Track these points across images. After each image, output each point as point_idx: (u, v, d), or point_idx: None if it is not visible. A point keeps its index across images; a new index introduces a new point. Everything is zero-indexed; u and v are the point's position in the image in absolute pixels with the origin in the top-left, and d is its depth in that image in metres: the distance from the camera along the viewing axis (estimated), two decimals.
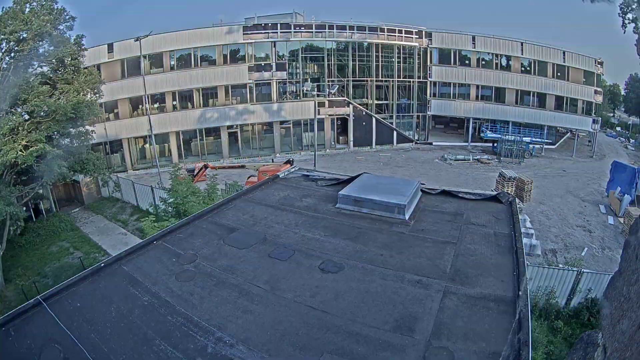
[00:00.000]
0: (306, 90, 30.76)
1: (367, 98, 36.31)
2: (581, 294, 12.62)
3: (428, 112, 37.07)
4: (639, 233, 4.20)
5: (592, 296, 12.45)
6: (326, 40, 33.76)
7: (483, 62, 36.25)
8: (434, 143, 37.37)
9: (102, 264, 4.92)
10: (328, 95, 32.34)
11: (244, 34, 31.65)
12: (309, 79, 33.54)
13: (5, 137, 14.58)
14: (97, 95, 19.14)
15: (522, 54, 35.20)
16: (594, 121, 35.67)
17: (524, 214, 19.33)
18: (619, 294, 4.03)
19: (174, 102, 31.78)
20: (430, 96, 36.61)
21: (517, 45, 35.03)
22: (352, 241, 5.44)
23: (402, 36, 35.40)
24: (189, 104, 32.28)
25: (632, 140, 47.13)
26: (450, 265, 4.79)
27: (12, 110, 15.23)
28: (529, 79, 35.34)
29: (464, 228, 5.87)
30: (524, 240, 7.91)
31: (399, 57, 35.88)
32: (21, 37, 15.69)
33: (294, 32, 32.82)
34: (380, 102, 37.38)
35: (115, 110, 30.49)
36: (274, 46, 32.58)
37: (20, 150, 15.21)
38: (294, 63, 33.61)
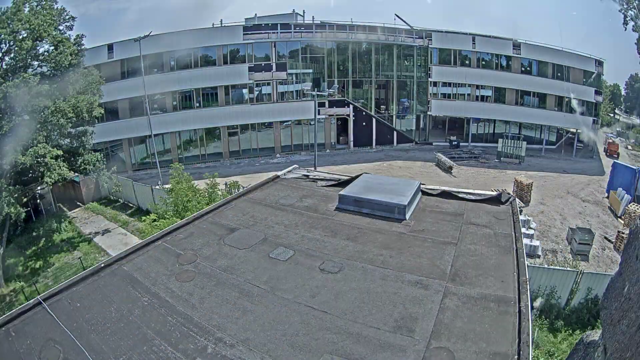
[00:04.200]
0: (306, 91, 30.78)
1: (367, 98, 36.32)
2: (581, 294, 12.63)
3: (428, 112, 37.06)
4: (639, 233, 4.19)
5: (592, 296, 12.45)
6: (326, 41, 33.77)
7: (483, 62, 36.25)
8: (434, 143, 37.36)
9: (102, 264, 4.92)
10: (328, 95, 32.33)
11: (244, 34, 31.67)
12: (309, 79, 33.55)
13: (5, 137, 14.59)
14: (97, 95, 19.13)
15: (521, 54, 35.20)
16: (594, 121, 35.66)
17: (526, 215, 19.32)
18: (619, 294, 4.02)
19: (174, 103, 31.78)
20: (430, 96, 36.61)
21: (517, 45, 35.03)
22: (352, 241, 5.43)
23: (402, 36, 35.40)
24: (189, 104, 32.28)
25: (632, 140, 47.12)
26: (450, 265, 4.78)
27: (12, 110, 15.22)
28: (529, 79, 35.33)
29: (464, 228, 5.87)
30: (525, 240, 7.91)
31: (398, 57, 35.89)
32: (21, 37, 15.69)
33: (294, 32, 32.83)
34: (380, 102, 37.37)
35: (116, 111, 30.48)
36: (274, 46, 32.58)
37: (20, 151, 15.22)
38: (294, 63, 33.62)
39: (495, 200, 7.06)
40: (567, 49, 34.56)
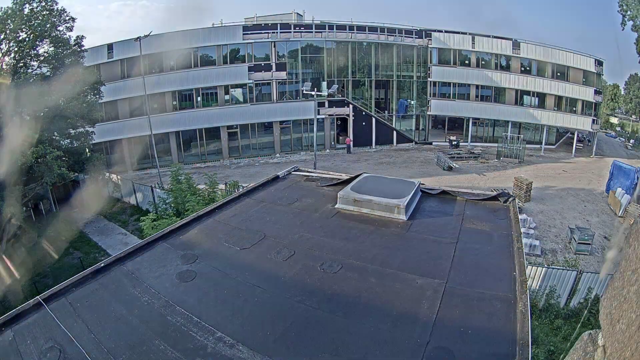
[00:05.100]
0: (305, 91, 30.80)
1: (367, 98, 36.33)
2: (581, 294, 12.64)
3: (428, 112, 37.07)
4: (639, 233, 4.20)
5: (592, 296, 12.46)
6: (326, 40, 33.78)
7: (483, 62, 36.25)
8: (433, 143, 37.39)
9: (102, 264, 4.92)
10: (328, 95, 32.35)
11: (243, 34, 31.67)
12: (309, 79, 33.55)
13: (5, 137, 14.58)
14: (97, 96, 19.14)
15: (521, 54, 35.22)
16: (594, 121, 35.67)
17: (526, 215, 19.33)
18: (618, 294, 4.03)
19: (174, 102, 31.79)
20: (430, 96, 36.62)
21: (516, 45, 35.05)
22: (352, 241, 5.43)
23: (402, 36, 35.42)
24: (189, 104, 32.30)
25: (631, 140, 47.12)
26: (450, 265, 4.79)
27: (12, 111, 15.21)
28: (528, 79, 35.36)
29: (464, 228, 5.87)
30: (524, 240, 7.92)
31: (398, 57, 35.90)
32: (21, 38, 15.70)
33: (294, 32, 32.85)
34: (380, 102, 37.40)
35: (116, 111, 30.49)
36: (274, 46, 32.60)
37: (21, 151, 15.21)
38: (293, 63, 33.62)
39: (495, 199, 7.06)
40: (566, 49, 34.58)
